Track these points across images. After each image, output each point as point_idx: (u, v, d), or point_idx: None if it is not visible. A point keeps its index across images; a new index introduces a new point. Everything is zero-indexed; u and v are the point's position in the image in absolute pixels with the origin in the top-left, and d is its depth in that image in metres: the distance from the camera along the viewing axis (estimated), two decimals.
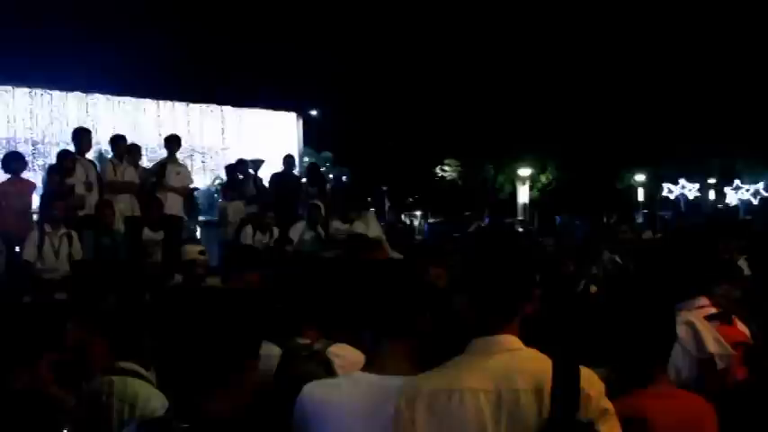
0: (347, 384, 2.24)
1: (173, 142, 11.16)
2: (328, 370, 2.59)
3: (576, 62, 39.01)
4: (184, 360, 1.84)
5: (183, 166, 11.43)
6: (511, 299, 2.03)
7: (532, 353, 2.00)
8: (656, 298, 2.63)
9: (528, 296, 2.05)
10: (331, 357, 2.67)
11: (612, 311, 2.58)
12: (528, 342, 2.04)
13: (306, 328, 2.83)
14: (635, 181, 44.14)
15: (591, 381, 1.93)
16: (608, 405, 1.93)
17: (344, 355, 2.68)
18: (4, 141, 18.84)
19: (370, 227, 9.72)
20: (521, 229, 20.13)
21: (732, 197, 43.50)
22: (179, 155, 11.64)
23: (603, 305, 2.58)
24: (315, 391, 2.26)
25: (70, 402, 2.97)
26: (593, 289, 5.73)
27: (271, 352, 2.80)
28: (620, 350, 2.51)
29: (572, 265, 5.56)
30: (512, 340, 2.01)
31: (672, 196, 44.64)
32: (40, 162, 18.07)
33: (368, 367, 2.24)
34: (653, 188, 45.17)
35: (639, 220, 24.15)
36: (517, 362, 1.96)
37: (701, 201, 43.30)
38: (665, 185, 45.14)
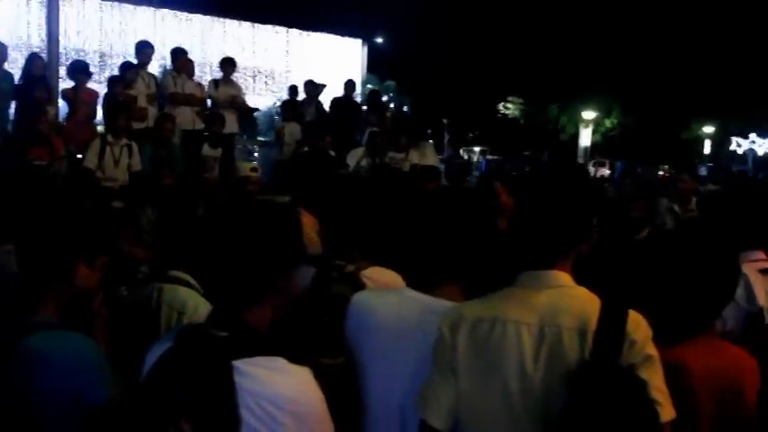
0: (397, 298, 2.27)
1: (227, 64, 11.27)
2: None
3: (651, 3, 37.60)
4: (225, 271, 1.84)
5: (237, 87, 11.45)
6: (565, 236, 1.98)
7: (582, 292, 1.94)
8: (723, 249, 2.50)
9: (583, 237, 1.99)
10: (365, 280, 2.67)
11: (676, 259, 2.45)
12: (581, 281, 1.98)
13: (348, 250, 2.82)
14: (702, 132, 42.77)
15: (638, 325, 1.85)
16: (652, 351, 1.85)
17: (378, 278, 2.68)
18: (74, 52, 19.11)
19: (427, 157, 9.61)
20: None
21: None
22: (237, 75, 11.62)
23: (666, 252, 2.44)
24: (364, 300, 2.34)
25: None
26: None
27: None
28: (678, 299, 2.40)
29: (641, 208, 5.36)
30: (562, 276, 1.96)
31: (740, 151, 43.15)
32: (107, 73, 18.30)
33: (417, 288, 2.25)
34: (721, 141, 43.76)
35: (703, 172, 23.49)
36: (565, 299, 1.91)
37: None
38: (734, 139, 43.59)
